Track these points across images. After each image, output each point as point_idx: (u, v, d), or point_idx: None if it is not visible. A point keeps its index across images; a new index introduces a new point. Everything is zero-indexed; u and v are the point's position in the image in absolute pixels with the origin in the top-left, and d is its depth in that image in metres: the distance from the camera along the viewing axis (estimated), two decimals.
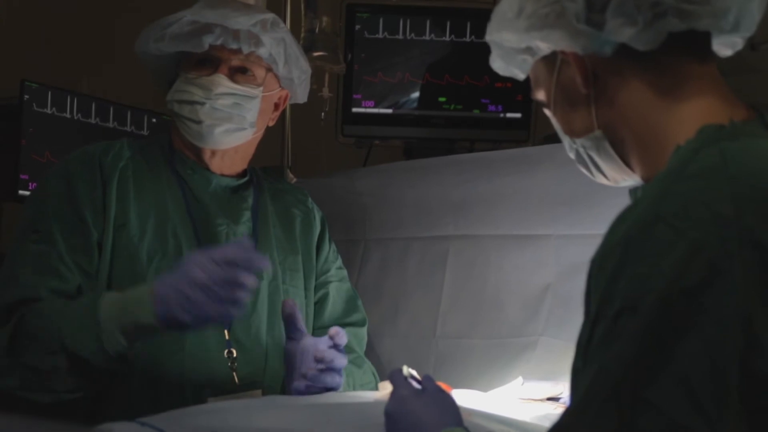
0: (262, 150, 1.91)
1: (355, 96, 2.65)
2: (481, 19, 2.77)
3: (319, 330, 1.83)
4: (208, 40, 1.70)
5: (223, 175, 1.82)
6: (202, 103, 1.72)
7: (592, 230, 2.00)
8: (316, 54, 2.39)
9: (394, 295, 2.20)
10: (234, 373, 1.68)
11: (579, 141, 1.16)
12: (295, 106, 1.94)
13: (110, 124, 2.71)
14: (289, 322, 1.65)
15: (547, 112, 1.22)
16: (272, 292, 1.79)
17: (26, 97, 2.53)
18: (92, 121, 2.67)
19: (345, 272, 1.96)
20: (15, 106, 2.55)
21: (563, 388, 1.84)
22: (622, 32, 1.07)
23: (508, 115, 2.68)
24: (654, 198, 0.95)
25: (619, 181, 1.20)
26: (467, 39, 2.70)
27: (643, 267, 0.91)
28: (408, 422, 1.23)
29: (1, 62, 2.75)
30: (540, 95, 1.20)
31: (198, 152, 1.79)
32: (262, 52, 1.74)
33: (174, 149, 1.81)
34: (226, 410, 1.44)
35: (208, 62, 1.74)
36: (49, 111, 2.58)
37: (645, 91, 1.09)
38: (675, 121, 1.06)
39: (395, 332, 2.16)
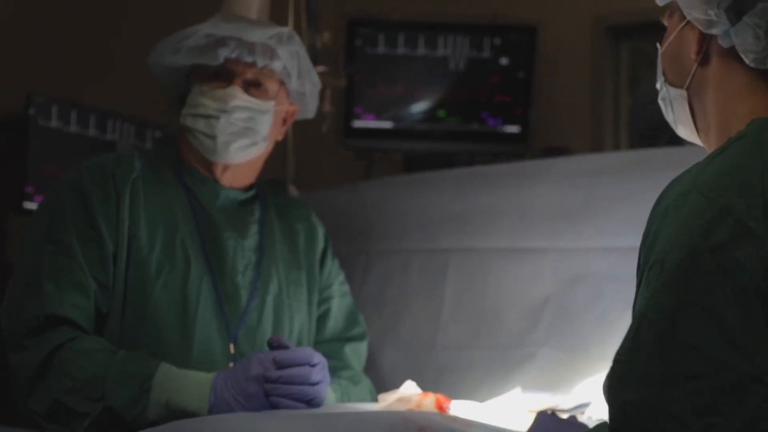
0: (264, 163, 1.93)
1: (356, 110, 2.67)
2: (479, 34, 2.82)
3: (319, 344, 1.84)
4: (223, 53, 1.72)
5: (231, 188, 1.83)
6: (217, 117, 1.73)
7: (590, 243, 2.03)
8: (317, 69, 2.41)
9: (395, 307, 2.21)
10: None
11: (670, 89, 1.24)
12: (296, 120, 1.96)
13: (110, 136, 2.73)
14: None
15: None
16: (277, 307, 1.80)
17: (32, 109, 2.55)
18: (97, 134, 2.69)
19: (347, 287, 1.97)
20: (20, 119, 2.57)
21: (562, 399, 1.85)
22: (745, 41, 1.13)
23: (507, 128, 2.70)
24: (694, 173, 1.06)
25: (690, 137, 1.27)
26: (466, 53, 2.73)
27: (675, 228, 1.01)
28: None
29: (4, 75, 2.77)
30: (666, 21, 1.26)
31: (209, 166, 1.80)
32: (277, 65, 1.77)
33: (182, 161, 1.82)
34: (228, 420, 1.46)
35: (223, 76, 1.75)
36: (54, 124, 2.60)
37: (731, 84, 1.16)
38: (736, 118, 1.14)
39: (396, 343, 2.17)
